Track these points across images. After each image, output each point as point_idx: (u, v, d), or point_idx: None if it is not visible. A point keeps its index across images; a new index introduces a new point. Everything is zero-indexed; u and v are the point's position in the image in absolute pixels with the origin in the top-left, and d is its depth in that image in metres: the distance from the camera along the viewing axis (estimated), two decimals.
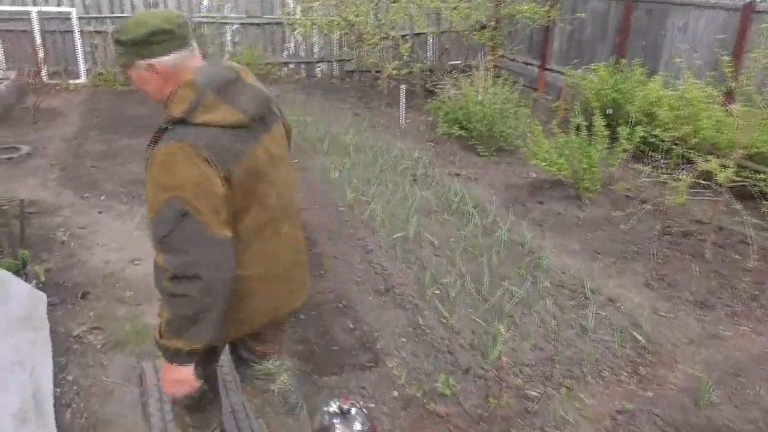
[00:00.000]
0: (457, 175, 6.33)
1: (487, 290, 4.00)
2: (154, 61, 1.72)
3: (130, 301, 3.70)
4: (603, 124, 5.42)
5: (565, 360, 3.31)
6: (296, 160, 6.51)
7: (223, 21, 10.26)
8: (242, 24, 10.46)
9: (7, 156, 6.14)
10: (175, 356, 1.72)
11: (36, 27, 9.28)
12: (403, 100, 8.14)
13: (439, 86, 8.40)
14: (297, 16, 10.32)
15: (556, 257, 4.52)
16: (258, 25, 10.54)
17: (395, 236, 4.66)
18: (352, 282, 4.09)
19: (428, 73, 9.58)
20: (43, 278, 3.66)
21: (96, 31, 9.66)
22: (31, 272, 3.60)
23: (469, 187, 5.92)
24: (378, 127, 8.03)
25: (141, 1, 9.87)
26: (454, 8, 8.24)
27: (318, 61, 11.09)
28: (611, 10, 8.45)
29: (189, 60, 1.77)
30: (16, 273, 3.49)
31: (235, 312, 1.82)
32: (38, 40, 9.24)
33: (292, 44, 10.85)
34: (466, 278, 4.15)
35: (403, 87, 8.16)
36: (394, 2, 8.95)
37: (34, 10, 9.28)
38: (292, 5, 10.61)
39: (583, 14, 8.64)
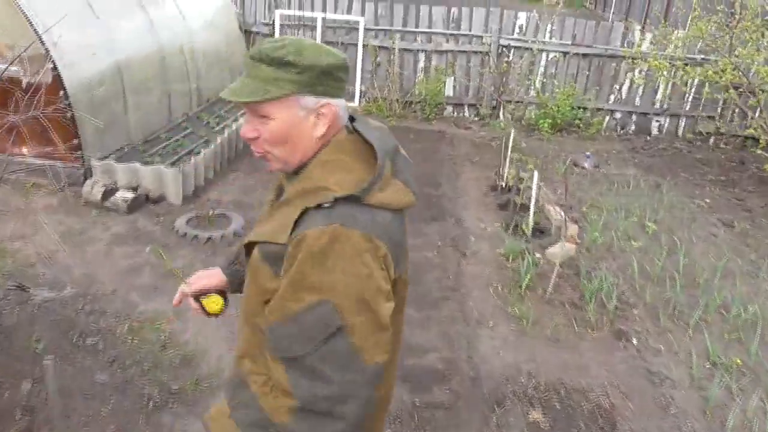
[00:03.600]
0: None
1: None
2: (332, 101, 1.20)
3: None
4: None
5: None
6: (638, 350, 3.57)
7: (541, 48, 7.62)
8: (562, 52, 7.69)
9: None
10: None
11: (318, 35, 7.76)
12: None
13: None
14: (645, 49, 7.25)
15: None
16: (584, 55, 7.67)
17: None
18: None
19: None
20: None
21: (381, 47, 7.80)
22: None
23: None
24: None
25: (440, 17, 7.72)
26: None
27: (657, 114, 7.83)
28: None
29: (344, 113, 1.25)
30: None
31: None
32: None
33: (626, 86, 7.76)
34: None
35: None
36: None
37: (320, 16, 7.76)
38: (638, 34, 7.53)
39: None
